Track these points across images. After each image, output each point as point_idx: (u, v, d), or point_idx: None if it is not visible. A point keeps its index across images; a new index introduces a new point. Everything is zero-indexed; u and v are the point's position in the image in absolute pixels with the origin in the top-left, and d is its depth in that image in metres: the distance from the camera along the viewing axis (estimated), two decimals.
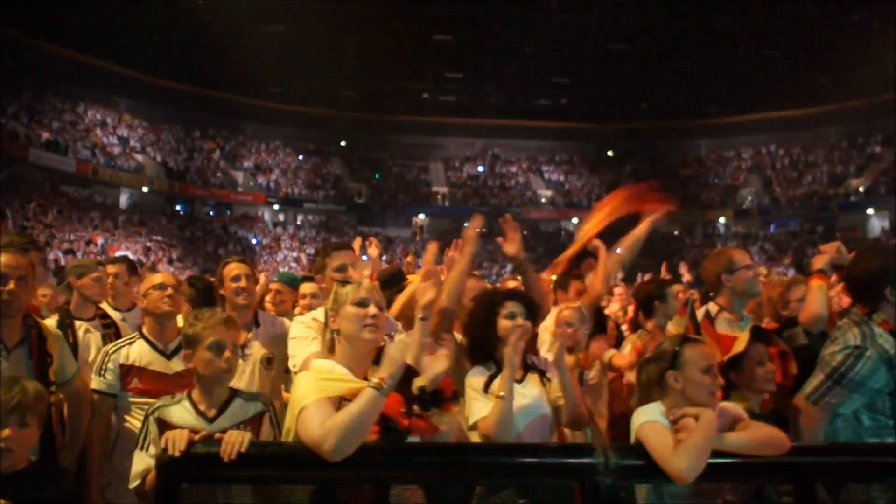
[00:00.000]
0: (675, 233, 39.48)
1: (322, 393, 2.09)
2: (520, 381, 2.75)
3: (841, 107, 35.05)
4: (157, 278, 3.34)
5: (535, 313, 2.86)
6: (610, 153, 42.90)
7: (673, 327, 3.51)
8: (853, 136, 37.29)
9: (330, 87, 34.66)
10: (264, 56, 28.60)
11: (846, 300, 3.76)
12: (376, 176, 41.04)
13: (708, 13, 26.74)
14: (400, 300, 3.42)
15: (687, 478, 1.99)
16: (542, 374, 2.85)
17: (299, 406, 2.08)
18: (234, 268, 3.54)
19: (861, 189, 35.04)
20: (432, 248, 3.14)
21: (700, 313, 3.48)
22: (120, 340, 3.28)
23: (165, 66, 31.45)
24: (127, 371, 3.09)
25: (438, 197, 40.75)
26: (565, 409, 2.75)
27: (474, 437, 2.72)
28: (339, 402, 2.10)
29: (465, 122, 40.84)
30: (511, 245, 3.45)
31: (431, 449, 2.17)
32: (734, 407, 2.32)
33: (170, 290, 3.24)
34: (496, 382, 2.66)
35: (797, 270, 29.36)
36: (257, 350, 3.41)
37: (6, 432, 2.13)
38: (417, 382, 2.12)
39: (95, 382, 3.09)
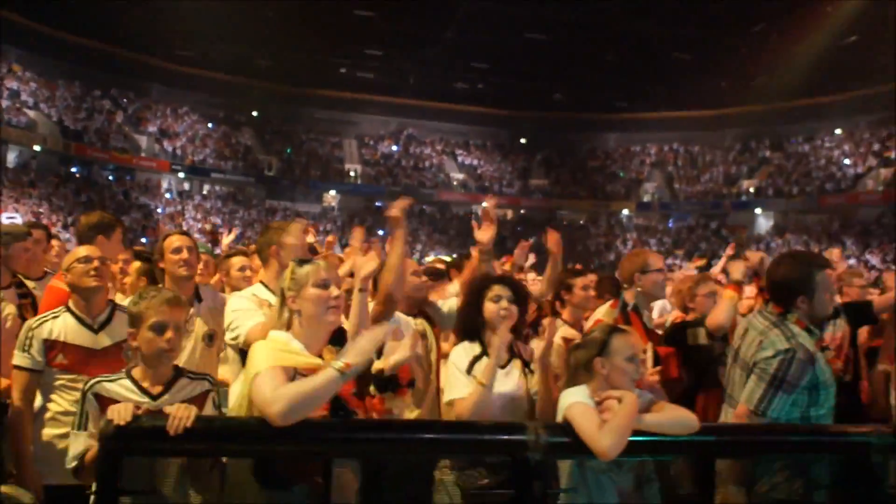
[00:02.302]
0: (581, 222, 40.94)
1: (277, 362, 2.14)
2: (504, 367, 2.84)
3: (737, 111, 37.29)
4: (81, 251, 3.20)
5: (523, 299, 2.96)
6: (523, 140, 43.76)
7: (604, 317, 3.76)
8: (747, 139, 39.74)
9: (244, 54, 33.51)
10: (176, 16, 27.26)
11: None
12: (288, 150, 40.13)
13: (625, 13, 27.71)
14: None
15: (611, 454, 2.19)
16: (526, 363, 2.94)
17: (254, 371, 2.12)
18: (175, 239, 3.44)
19: (751, 189, 37.44)
20: (359, 233, 3.23)
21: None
22: (44, 314, 3.13)
23: (63, 16, 29.33)
24: (51, 346, 2.98)
25: (351, 174, 40.35)
26: (539, 403, 2.84)
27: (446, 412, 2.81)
28: (294, 374, 2.16)
29: (382, 101, 40.53)
30: (485, 233, 3.58)
31: (373, 424, 2.26)
32: (649, 392, 2.55)
33: (96, 263, 3.13)
34: (479, 365, 2.75)
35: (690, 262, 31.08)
36: (199, 326, 3.37)
37: None
38: (377, 365, 2.19)
39: (19, 358, 2.96)
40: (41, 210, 27.18)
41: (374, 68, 36.86)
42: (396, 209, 3.25)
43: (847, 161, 34.97)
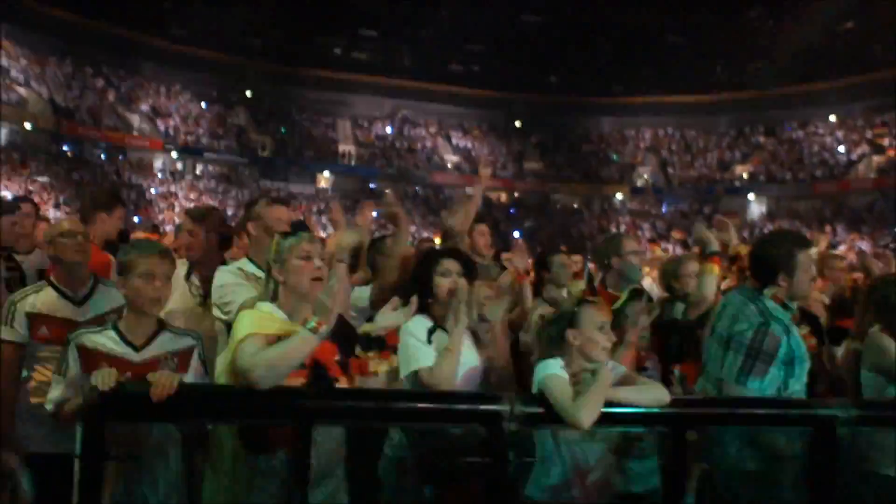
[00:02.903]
0: (575, 205, 40.98)
1: (260, 329, 2.23)
2: None
3: (732, 96, 37.30)
4: (64, 225, 3.22)
5: (471, 271, 2.94)
6: (517, 123, 43.66)
7: (573, 290, 3.82)
8: (741, 125, 39.75)
9: (238, 33, 33.25)
10: None
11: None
12: (282, 130, 39.94)
13: None
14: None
15: (584, 425, 2.26)
16: (475, 333, 2.93)
17: (238, 338, 2.21)
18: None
19: (745, 175, 37.53)
20: (368, 209, 3.27)
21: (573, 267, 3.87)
22: (27, 288, 3.17)
23: None
24: (34, 319, 3.01)
25: (345, 155, 40.22)
26: (493, 369, 2.90)
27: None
28: (277, 340, 2.23)
29: (376, 82, 40.28)
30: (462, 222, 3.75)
31: (352, 393, 2.32)
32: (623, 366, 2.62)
33: (79, 237, 3.16)
34: (436, 337, 2.74)
35: (683, 247, 31.24)
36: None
37: None
38: (365, 327, 2.25)
39: (5, 332, 3.00)
40: (32, 188, 27.03)
41: (368, 49, 36.69)
42: (394, 205, 3.33)
43: (840, 148, 35.06)
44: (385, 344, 2.27)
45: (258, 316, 2.30)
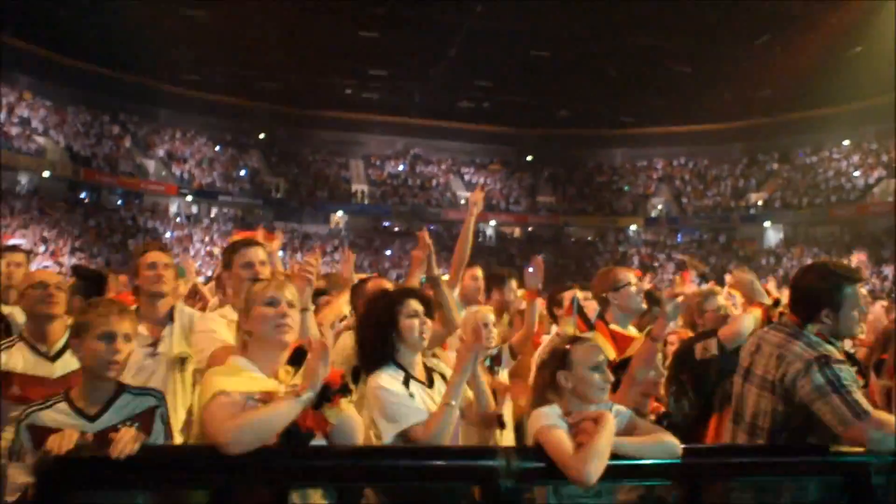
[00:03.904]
0: (589, 238, 40.71)
1: (231, 387, 2.05)
2: (430, 387, 2.66)
3: (744, 124, 37.14)
4: (36, 276, 3.09)
5: (431, 311, 2.77)
6: (529, 158, 43.74)
7: (564, 327, 3.61)
8: (754, 152, 39.51)
9: (250, 77, 33.76)
10: (182, 40, 27.53)
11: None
12: (295, 171, 40.29)
13: (628, 28, 27.74)
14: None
15: (589, 481, 2.03)
16: (442, 376, 2.75)
17: (208, 396, 2.03)
18: (151, 255, 3.28)
19: (760, 203, 37.14)
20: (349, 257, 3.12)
21: (593, 313, 3.63)
22: None
23: (72, 44, 29.74)
24: (4, 377, 2.84)
25: (358, 194, 40.40)
26: (475, 407, 2.67)
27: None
28: (247, 399, 2.06)
29: (387, 121, 40.68)
30: (419, 258, 3.55)
31: (333, 452, 2.12)
32: (628, 409, 2.41)
33: (51, 290, 3.00)
34: (415, 388, 2.54)
35: (700, 277, 30.78)
36: (170, 348, 3.19)
37: None
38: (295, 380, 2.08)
39: None
40: (47, 235, 27.30)
41: (378, 88, 37.03)
42: (424, 250, 3.35)
43: (856, 172, 34.65)
44: (332, 391, 2.04)
45: (228, 373, 2.12)
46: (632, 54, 30.22)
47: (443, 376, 2.75)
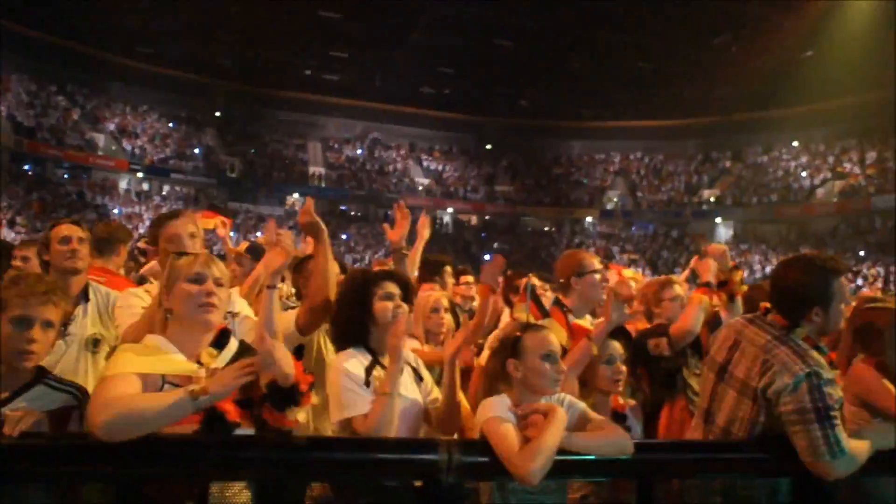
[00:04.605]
0: (545, 228, 41.01)
1: (137, 368, 1.85)
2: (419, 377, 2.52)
3: (699, 121, 37.82)
4: None
5: (410, 295, 2.64)
6: (488, 146, 43.73)
7: (518, 314, 3.46)
8: (708, 149, 40.27)
9: (208, 53, 32.79)
10: (136, 11, 26.50)
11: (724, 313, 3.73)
12: (252, 151, 39.39)
13: (591, 22, 27.83)
14: (249, 280, 3.19)
15: (532, 479, 1.90)
16: (415, 370, 2.59)
17: (106, 374, 1.83)
18: (63, 229, 3.07)
19: (712, 199, 37.91)
20: (271, 226, 2.81)
21: (548, 301, 3.49)
22: None
23: (17, 9, 28.35)
24: None
25: (315, 177, 39.80)
26: (443, 409, 2.45)
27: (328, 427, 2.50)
28: (162, 382, 1.88)
29: (347, 104, 40.09)
30: (396, 233, 3.48)
31: (260, 443, 1.94)
32: (581, 402, 2.29)
33: None
34: (376, 375, 2.38)
35: (652, 270, 31.34)
36: (82, 329, 2.97)
37: None
38: (264, 379, 1.88)
39: None
40: None
41: (339, 70, 36.42)
42: (310, 213, 2.80)
43: (803, 173, 35.64)
44: (300, 393, 1.88)
45: (140, 352, 1.92)
46: (593, 48, 30.39)
47: (413, 369, 2.59)
